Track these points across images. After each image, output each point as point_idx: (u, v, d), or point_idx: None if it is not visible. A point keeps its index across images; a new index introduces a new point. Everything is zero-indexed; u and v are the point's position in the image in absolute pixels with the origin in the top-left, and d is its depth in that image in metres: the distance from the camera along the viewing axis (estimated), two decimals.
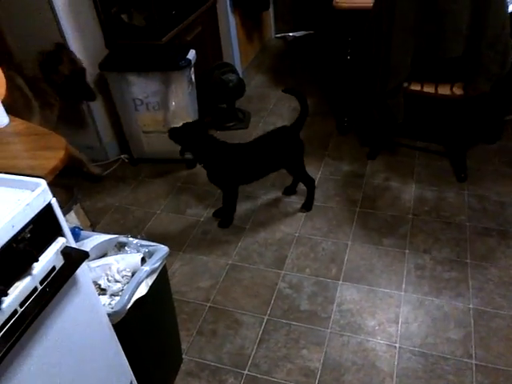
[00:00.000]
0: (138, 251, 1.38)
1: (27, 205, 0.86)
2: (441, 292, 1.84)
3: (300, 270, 2.01)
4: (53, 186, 1.51)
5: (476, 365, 1.59)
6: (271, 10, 4.19)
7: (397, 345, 1.66)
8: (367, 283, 1.92)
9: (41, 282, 0.90)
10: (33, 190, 0.89)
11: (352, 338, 1.71)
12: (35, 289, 0.89)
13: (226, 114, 3.13)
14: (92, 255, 1.35)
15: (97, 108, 2.66)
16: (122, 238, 1.41)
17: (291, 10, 4.25)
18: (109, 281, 1.25)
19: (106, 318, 1.14)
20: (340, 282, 1.94)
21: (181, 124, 2.11)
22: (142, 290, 1.24)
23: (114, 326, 1.18)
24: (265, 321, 1.81)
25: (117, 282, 1.25)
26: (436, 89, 2.21)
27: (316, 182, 2.51)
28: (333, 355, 1.66)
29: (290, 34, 4.29)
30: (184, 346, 1.73)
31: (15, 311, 0.84)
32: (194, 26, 2.95)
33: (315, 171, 2.60)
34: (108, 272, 1.26)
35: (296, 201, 2.40)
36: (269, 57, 4.09)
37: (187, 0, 2.87)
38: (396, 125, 2.40)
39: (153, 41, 2.56)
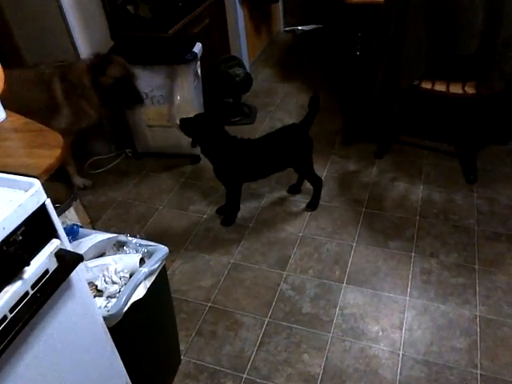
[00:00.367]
0: (137, 251, 1.35)
1: (19, 206, 0.83)
2: (447, 298, 1.80)
3: (303, 271, 1.97)
4: (52, 181, 1.48)
5: (481, 375, 1.54)
6: (280, 2, 4.11)
7: (400, 352, 1.62)
8: (371, 287, 1.87)
9: (32, 286, 0.87)
10: (26, 191, 0.85)
11: (354, 344, 1.67)
12: (26, 293, 0.86)
13: (231, 108, 3.08)
14: (90, 254, 1.32)
15: None
16: (121, 237, 1.38)
17: (301, 2, 4.18)
18: (106, 282, 1.21)
19: (102, 322, 1.11)
20: (343, 285, 1.90)
21: (192, 115, 2.06)
22: (140, 293, 1.21)
23: (109, 328, 1.15)
24: (266, 323, 1.78)
25: (114, 283, 1.22)
26: (448, 87, 2.15)
27: (322, 179, 2.46)
28: (334, 361, 1.62)
29: (299, 28, 4.22)
30: (183, 347, 1.70)
31: (4, 317, 0.81)
32: (202, 18, 2.89)
33: (321, 169, 2.55)
34: (105, 273, 1.23)
35: (301, 200, 2.35)
36: (277, 51, 4.03)
37: None
38: (397, 122, 2.35)
39: (159, 33, 2.52)
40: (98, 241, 1.30)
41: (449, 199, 2.27)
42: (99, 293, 1.21)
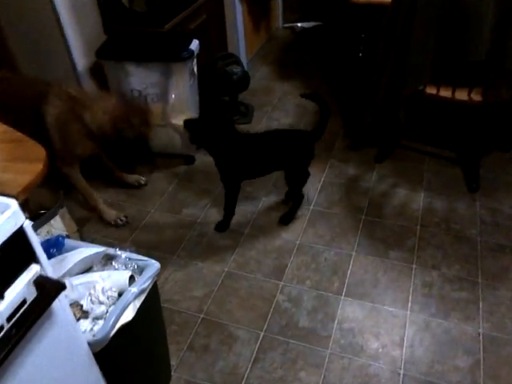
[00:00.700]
0: (127, 266, 1.27)
1: None
2: (449, 314, 1.73)
3: (300, 281, 1.90)
4: (38, 187, 1.38)
5: None
6: None
7: (401, 371, 1.56)
8: (371, 300, 1.81)
9: (8, 319, 0.78)
10: (1, 213, 0.76)
11: (353, 361, 1.60)
12: (1, 327, 0.77)
13: (228, 107, 2.98)
14: (75, 269, 1.23)
15: None
16: (110, 251, 1.29)
17: None
18: (92, 302, 1.13)
19: (86, 348, 1.03)
20: (342, 297, 1.83)
21: (188, 115, 1.98)
22: (129, 315, 1.13)
23: (95, 353, 1.07)
24: (261, 337, 1.70)
25: (101, 303, 1.13)
26: (453, 93, 2.07)
27: (320, 185, 2.39)
28: (332, 379, 1.55)
29: (299, 25, 4.12)
30: (173, 362, 1.62)
31: None
32: (199, 13, 2.79)
33: (320, 173, 2.47)
34: (92, 291, 1.15)
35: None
36: (275, 48, 3.93)
37: None
38: (401, 127, 2.28)
39: (154, 28, 2.41)
40: (84, 256, 1.21)
41: (450, 208, 2.20)
42: (84, 314, 1.12)
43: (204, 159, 2.53)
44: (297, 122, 2.93)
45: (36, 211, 1.57)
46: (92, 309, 1.12)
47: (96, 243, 2.07)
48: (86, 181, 2.11)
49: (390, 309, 1.77)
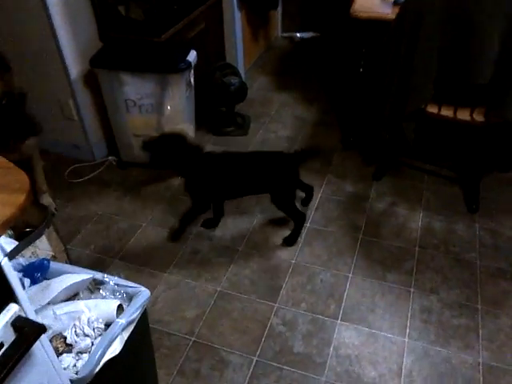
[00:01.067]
0: (115, 293, 1.20)
1: None
2: (448, 341, 1.68)
3: (295, 303, 1.84)
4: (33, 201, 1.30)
5: None
6: (280, 6, 3.96)
7: None
8: (368, 325, 1.75)
9: None
10: None
11: None
12: None
13: (224, 118, 2.93)
14: (60, 297, 1.17)
15: (84, 105, 2.46)
16: (97, 276, 1.23)
17: (300, 8, 4.04)
18: (77, 334, 1.07)
19: None
20: (338, 322, 1.77)
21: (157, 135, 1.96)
22: (116, 349, 1.06)
23: None
24: (254, 363, 1.64)
25: (86, 335, 1.07)
26: (455, 113, 2.03)
27: (317, 202, 2.34)
28: None
29: (298, 35, 4.08)
30: None
31: None
32: (197, 22, 2.74)
33: (316, 189, 2.41)
34: (77, 323, 1.08)
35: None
36: (274, 57, 3.88)
37: None
38: (406, 146, 2.23)
39: (151, 37, 2.35)
40: (69, 284, 1.14)
41: (450, 229, 2.15)
42: (68, 347, 1.06)
43: None
44: (295, 135, 2.88)
45: (22, 229, 1.50)
46: (76, 342, 1.06)
47: (84, 258, 2.06)
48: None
49: (388, 335, 1.71)
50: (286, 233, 2.15)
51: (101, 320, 1.10)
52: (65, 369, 1.01)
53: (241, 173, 1.98)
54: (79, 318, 1.08)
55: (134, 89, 2.27)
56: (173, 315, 1.81)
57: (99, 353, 1.02)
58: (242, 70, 3.42)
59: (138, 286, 1.22)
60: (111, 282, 1.21)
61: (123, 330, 1.09)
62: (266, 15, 3.81)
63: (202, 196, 2.05)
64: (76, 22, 2.27)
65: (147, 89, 2.27)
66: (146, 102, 2.31)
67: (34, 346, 0.80)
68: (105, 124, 2.55)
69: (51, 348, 0.88)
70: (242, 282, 1.94)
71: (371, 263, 2.00)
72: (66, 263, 1.51)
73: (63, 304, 1.14)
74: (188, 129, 2.51)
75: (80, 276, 1.18)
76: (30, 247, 1.34)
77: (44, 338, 0.83)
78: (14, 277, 0.76)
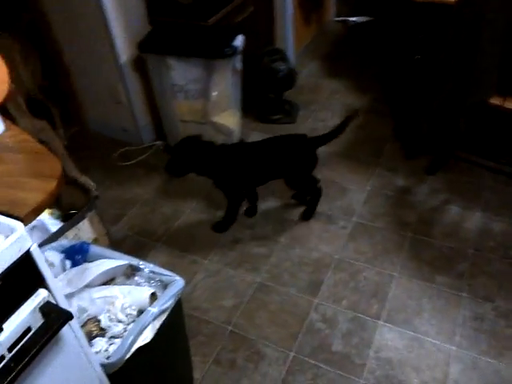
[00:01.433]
0: (149, 281, 1.19)
1: None
2: (501, 353, 1.56)
3: (336, 300, 1.77)
4: (70, 184, 1.32)
5: None
6: None
7: None
8: (413, 329, 1.65)
9: (10, 349, 0.72)
10: (6, 236, 0.69)
11: None
12: (2, 357, 0.71)
13: (272, 105, 2.86)
14: (97, 281, 1.17)
15: (133, 89, 2.47)
16: (133, 263, 1.22)
17: None
18: (110, 319, 1.06)
19: (99, 371, 0.96)
20: (381, 322, 1.68)
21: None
22: (147, 336, 1.05)
23: (109, 375, 1.00)
24: (290, 358, 1.60)
25: (119, 321, 1.07)
26: None
27: (365, 196, 2.24)
28: None
29: (351, 19, 3.91)
30: (198, 375, 1.55)
31: None
32: (246, 5, 2.66)
33: (364, 182, 2.32)
34: (111, 308, 1.08)
35: (341, 217, 2.13)
36: (326, 42, 3.74)
37: None
38: (458, 137, 2.07)
39: (198, 21, 2.32)
40: (106, 268, 1.14)
41: (510, 232, 1.99)
42: (102, 331, 1.06)
43: None
44: None
45: (67, 210, 1.53)
46: (109, 327, 1.06)
47: (129, 240, 2.09)
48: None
49: (434, 341, 1.61)
50: (332, 228, 2.08)
51: (134, 307, 1.10)
52: (97, 353, 1.01)
53: (260, 158, 1.97)
54: (113, 304, 1.08)
55: (181, 74, 2.25)
56: (211, 303, 1.80)
57: (130, 339, 1.01)
58: (291, 56, 3.33)
59: (173, 274, 1.20)
60: (147, 270, 1.20)
61: (155, 318, 1.08)
62: None
63: (232, 188, 2.03)
64: (126, 5, 2.27)
65: (193, 74, 2.25)
66: (192, 88, 2.30)
67: (63, 331, 0.79)
68: (153, 109, 2.56)
69: (82, 333, 0.88)
70: (281, 275, 1.89)
71: (419, 263, 1.89)
72: (108, 247, 1.52)
73: (99, 288, 1.14)
74: (233, 115, 2.47)
75: (117, 262, 1.18)
76: (72, 229, 1.36)
77: (74, 323, 0.82)
78: (43, 263, 0.76)
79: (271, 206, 2.22)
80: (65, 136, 2.43)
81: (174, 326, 1.21)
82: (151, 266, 1.22)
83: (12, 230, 0.69)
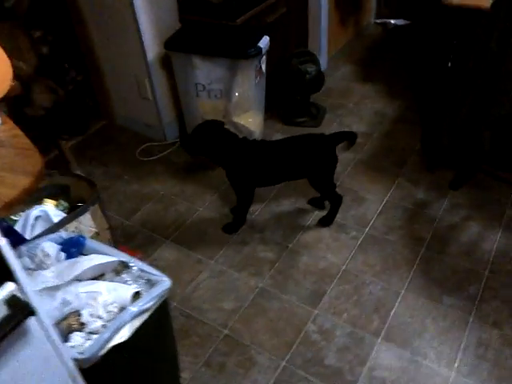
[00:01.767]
0: (138, 279, 1.21)
1: None
2: None
3: (336, 313, 1.74)
4: (76, 177, 1.36)
5: None
6: None
7: None
8: (412, 349, 1.60)
9: None
10: None
11: None
12: None
13: (298, 107, 2.84)
14: (87, 274, 1.20)
15: (159, 85, 2.51)
16: (125, 259, 1.24)
17: None
18: (91, 315, 1.09)
19: (71, 366, 0.98)
20: (379, 340, 1.64)
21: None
22: (124, 335, 1.07)
23: (85, 370, 1.03)
24: (281, 367, 1.58)
25: (99, 318, 1.09)
26: None
27: (381, 206, 2.18)
28: None
29: (392, 22, 3.80)
30: (186, 375, 1.57)
31: None
32: (278, 6, 2.65)
33: (383, 192, 2.25)
34: (93, 303, 1.11)
35: (353, 226, 2.08)
36: (363, 45, 3.66)
37: None
38: (483, 152, 1.97)
39: (226, 20, 2.33)
40: (94, 264, 1.17)
41: None
42: (81, 326, 1.08)
43: None
44: (371, 131, 2.71)
45: (75, 203, 1.58)
46: (89, 322, 1.08)
47: (140, 235, 2.13)
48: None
49: (433, 365, 1.54)
50: (342, 237, 2.04)
51: (116, 304, 1.12)
52: (73, 347, 1.04)
53: (279, 157, 1.95)
54: (96, 299, 1.11)
55: (204, 73, 2.26)
56: (211, 304, 1.81)
57: (106, 336, 1.03)
58: (324, 58, 3.29)
59: (161, 274, 1.21)
60: (136, 268, 1.22)
61: (135, 317, 1.09)
62: (357, 0, 3.58)
63: (242, 182, 2.02)
64: (157, 3, 2.31)
65: (217, 73, 2.25)
66: (215, 87, 2.30)
67: (29, 324, 0.82)
68: (177, 106, 2.60)
69: (51, 327, 0.90)
70: (285, 281, 1.87)
71: (429, 281, 1.82)
72: (109, 241, 1.56)
73: (86, 282, 1.17)
74: (255, 116, 2.47)
75: (107, 258, 1.21)
76: (73, 222, 1.40)
77: (44, 317, 0.85)
78: (12, 257, 0.78)
79: (285, 210, 2.21)
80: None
81: (158, 327, 1.22)
82: (141, 264, 1.24)
83: None
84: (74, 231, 1.42)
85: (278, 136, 2.69)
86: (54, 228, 1.36)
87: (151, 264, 1.92)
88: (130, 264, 1.23)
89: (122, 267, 1.26)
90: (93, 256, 1.21)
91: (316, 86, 2.76)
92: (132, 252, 1.77)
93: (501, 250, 1.92)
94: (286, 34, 2.83)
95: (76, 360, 1.00)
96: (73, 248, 1.29)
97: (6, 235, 0.74)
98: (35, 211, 1.43)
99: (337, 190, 2.11)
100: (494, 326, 1.64)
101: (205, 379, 1.56)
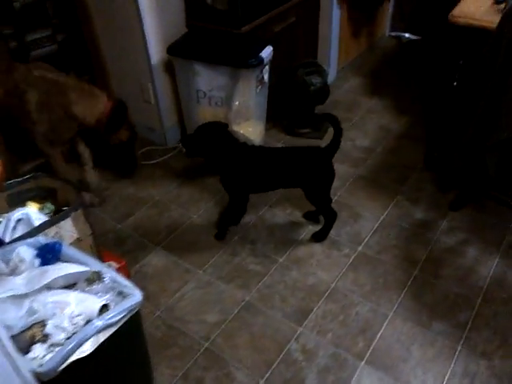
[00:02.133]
0: (109, 291, 1.19)
1: None
2: None
3: (321, 332, 1.70)
4: (63, 181, 1.35)
5: None
6: (391, 1, 3.66)
7: None
8: (395, 376, 1.55)
9: None
10: None
11: None
12: None
13: (301, 118, 2.80)
14: (58, 283, 1.19)
15: (162, 90, 2.51)
16: (97, 268, 1.22)
17: (415, 4, 3.66)
18: (55, 326, 1.07)
19: (29, 378, 0.97)
20: (362, 364, 1.59)
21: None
22: (87, 349, 1.05)
23: (44, 382, 1.01)
24: None
25: (63, 330, 1.07)
26: None
27: (377, 225, 2.13)
28: None
29: (406, 35, 3.74)
30: None
31: None
32: (287, 15, 2.63)
33: (381, 209, 2.20)
34: (59, 314, 1.09)
35: (347, 244, 2.04)
36: (374, 58, 3.61)
37: None
38: (486, 176, 1.91)
39: (231, 28, 2.31)
40: (64, 273, 1.16)
41: None
42: (44, 337, 1.07)
43: None
44: (374, 146, 2.66)
45: (61, 206, 1.57)
46: (53, 334, 1.07)
47: (130, 240, 2.12)
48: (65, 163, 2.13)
49: None
50: (334, 254, 2.00)
51: (82, 316, 1.10)
52: (34, 359, 1.02)
53: (274, 165, 1.93)
54: (62, 310, 1.09)
55: (206, 80, 2.25)
56: (194, 315, 1.78)
57: (67, 350, 1.01)
58: (333, 69, 3.25)
59: (133, 287, 1.19)
60: (109, 279, 1.20)
61: (100, 331, 1.07)
62: (372, 12, 3.54)
63: (238, 188, 2.01)
64: (164, 7, 2.30)
65: (218, 81, 2.24)
66: (215, 95, 2.29)
67: None
68: (179, 111, 2.59)
69: (7, 339, 0.89)
70: (272, 297, 1.84)
71: (419, 306, 1.77)
72: (91, 248, 1.55)
73: (56, 292, 1.16)
74: (255, 126, 2.44)
75: (77, 267, 1.19)
76: (53, 227, 1.39)
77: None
78: None
79: (279, 222, 2.18)
80: None
81: (128, 340, 1.20)
82: (114, 274, 1.22)
83: None
84: (54, 236, 1.40)
85: (279, 146, 2.66)
86: (34, 232, 1.35)
87: (139, 270, 1.96)
88: (103, 275, 1.21)
89: (96, 277, 1.24)
90: (63, 265, 1.20)
91: (320, 99, 2.72)
92: (116, 259, 1.77)
93: (496, 277, 1.85)
94: (294, 43, 2.80)
95: (35, 373, 0.99)
96: (49, 254, 1.28)
97: None
98: (17, 214, 1.42)
99: (333, 204, 2.08)
100: (483, 356, 1.58)
101: None
